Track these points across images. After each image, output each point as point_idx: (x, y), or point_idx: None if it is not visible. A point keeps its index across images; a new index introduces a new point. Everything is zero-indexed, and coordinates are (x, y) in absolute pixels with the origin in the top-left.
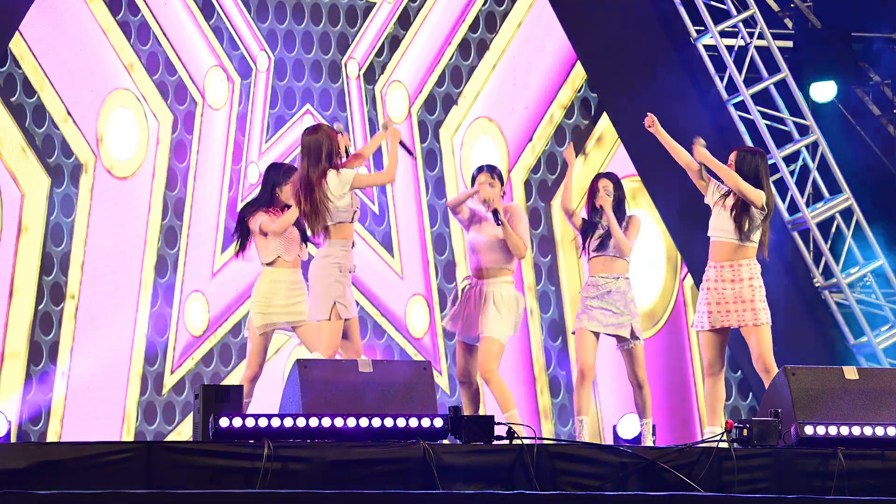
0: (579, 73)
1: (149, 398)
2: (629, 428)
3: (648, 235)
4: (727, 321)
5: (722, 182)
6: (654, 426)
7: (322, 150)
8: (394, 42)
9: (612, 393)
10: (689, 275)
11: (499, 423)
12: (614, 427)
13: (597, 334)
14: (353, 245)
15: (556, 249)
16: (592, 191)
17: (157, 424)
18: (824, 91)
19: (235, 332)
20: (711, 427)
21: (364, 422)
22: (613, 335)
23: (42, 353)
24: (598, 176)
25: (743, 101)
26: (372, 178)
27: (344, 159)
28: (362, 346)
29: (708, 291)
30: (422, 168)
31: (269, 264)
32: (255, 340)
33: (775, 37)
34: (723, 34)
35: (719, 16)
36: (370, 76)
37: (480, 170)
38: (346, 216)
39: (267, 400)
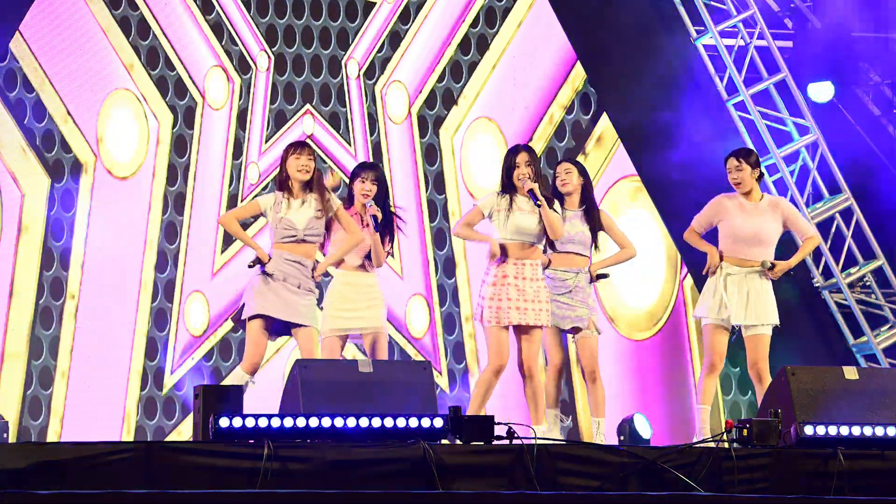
0: (579, 73)
1: (149, 394)
2: (644, 425)
3: (648, 235)
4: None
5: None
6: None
7: (281, 167)
8: (394, 41)
9: (613, 393)
10: (689, 275)
11: (499, 424)
12: (618, 426)
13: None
14: (279, 258)
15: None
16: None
17: (156, 420)
18: (822, 92)
19: (235, 331)
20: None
21: (364, 422)
22: (572, 328)
23: (42, 352)
24: (559, 161)
25: (743, 101)
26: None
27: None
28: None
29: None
30: (422, 164)
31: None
32: (325, 345)
33: (775, 37)
34: (723, 34)
35: (719, 16)
36: (370, 76)
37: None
38: (275, 234)
39: (267, 400)
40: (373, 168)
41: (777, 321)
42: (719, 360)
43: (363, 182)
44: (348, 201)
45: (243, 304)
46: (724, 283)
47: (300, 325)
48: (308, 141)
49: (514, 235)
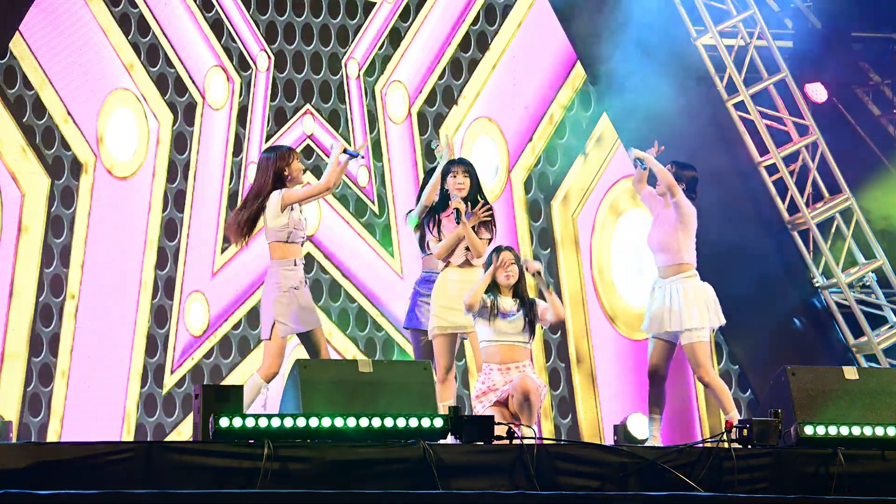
0: (579, 73)
1: (149, 393)
2: (638, 426)
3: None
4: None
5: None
6: None
7: (271, 170)
8: (394, 41)
9: (613, 393)
10: None
11: (498, 424)
12: (616, 426)
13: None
14: (295, 263)
15: (555, 245)
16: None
17: (156, 418)
18: (818, 91)
19: (236, 330)
20: None
21: (364, 422)
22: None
23: (42, 352)
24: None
25: (743, 101)
26: (305, 191)
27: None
28: (328, 355)
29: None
30: (422, 164)
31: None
32: (436, 343)
33: (775, 37)
34: (723, 34)
35: (719, 16)
36: (370, 75)
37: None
38: (282, 235)
39: (267, 400)
40: (462, 162)
41: (705, 324)
42: (654, 369)
43: (454, 176)
44: (443, 202)
45: (273, 321)
46: (651, 297)
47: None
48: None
49: (499, 337)
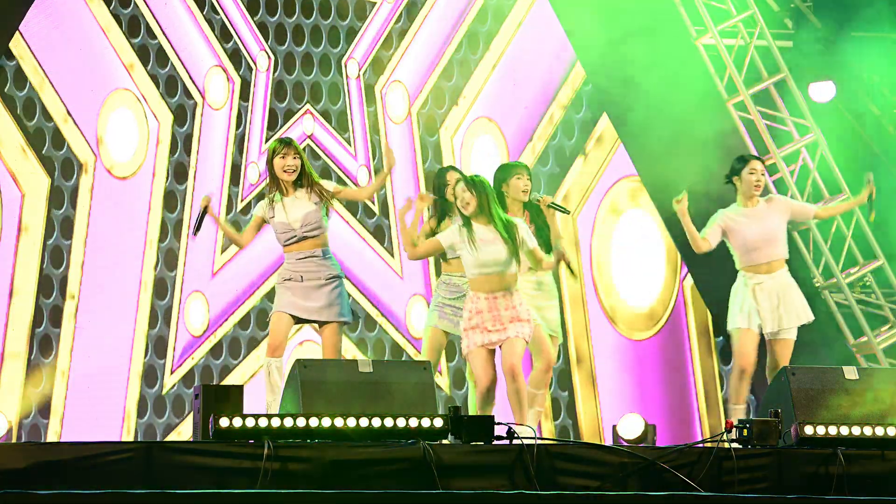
0: (579, 73)
1: (149, 394)
2: (630, 427)
3: (648, 235)
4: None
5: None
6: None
7: (267, 165)
8: (394, 41)
9: (612, 393)
10: (689, 275)
11: (499, 424)
12: (614, 427)
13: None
14: (291, 259)
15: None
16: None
17: (155, 420)
18: (823, 91)
19: (235, 331)
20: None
21: (364, 422)
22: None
23: (42, 352)
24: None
25: (743, 101)
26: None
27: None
28: (335, 350)
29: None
30: (422, 164)
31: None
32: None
33: (775, 37)
34: (723, 34)
35: (719, 16)
36: (370, 76)
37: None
38: (278, 238)
39: (266, 400)
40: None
41: (810, 317)
42: (749, 365)
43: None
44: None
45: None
46: (752, 293)
47: (325, 322)
48: (292, 138)
49: (483, 269)
